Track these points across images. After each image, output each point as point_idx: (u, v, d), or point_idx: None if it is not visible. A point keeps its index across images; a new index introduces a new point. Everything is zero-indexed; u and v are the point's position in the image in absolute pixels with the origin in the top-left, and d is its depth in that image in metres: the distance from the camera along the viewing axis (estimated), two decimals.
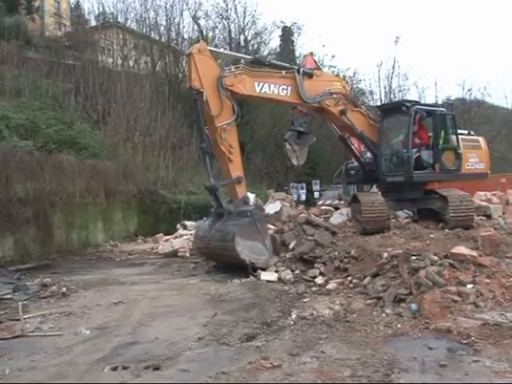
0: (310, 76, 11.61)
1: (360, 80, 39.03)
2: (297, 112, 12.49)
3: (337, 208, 14.24)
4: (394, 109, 12.62)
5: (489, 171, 13.10)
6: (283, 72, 11.24)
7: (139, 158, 20.57)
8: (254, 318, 6.78)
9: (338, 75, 34.99)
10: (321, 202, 20.90)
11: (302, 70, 11.38)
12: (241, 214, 10.18)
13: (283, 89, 11.15)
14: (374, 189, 13.76)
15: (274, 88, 11.01)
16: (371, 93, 39.39)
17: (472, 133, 13.65)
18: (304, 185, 27.60)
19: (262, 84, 10.84)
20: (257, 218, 10.10)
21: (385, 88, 38.07)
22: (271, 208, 14.12)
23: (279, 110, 29.72)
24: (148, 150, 21.90)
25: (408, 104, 12.05)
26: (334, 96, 11.85)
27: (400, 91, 37.83)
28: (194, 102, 10.24)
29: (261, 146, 30.93)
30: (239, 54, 11.65)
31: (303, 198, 26.67)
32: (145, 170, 20.71)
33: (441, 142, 11.98)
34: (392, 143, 12.65)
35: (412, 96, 37.67)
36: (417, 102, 12.86)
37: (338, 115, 11.99)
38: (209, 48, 10.58)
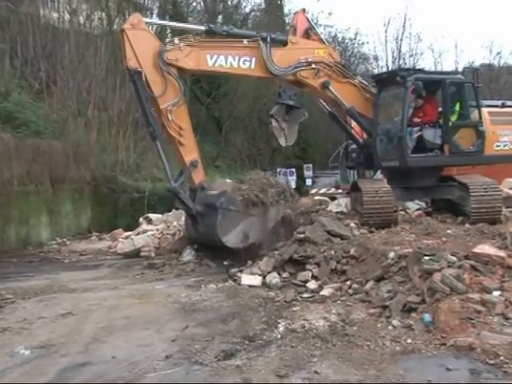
0: (284, 44, 11.65)
1: (362, 43, 39.11)
2: (285, 82, 12.41)
3: (333, 198, 14.30)
4: (389, 79, 12.51)
5: None
6: (245, 41, 11.30)
7: (93, 136, 20.27)
8: (233, 330, 6.75)
9: (334, 37, 35.20)
10: (314, 191, 20.92)
11: (270, 37, 11.42)
12: (210, 206, 10.94)
13: (245, 61, 11.33)
14: (379, 175, 13.79)
15: (233, 61, 11.22)
16: (376, 58, 39.49)
17: (510, 103, 13.52)
18: (294, 170, 27.65)
19: (216, 57, 11.05)
20: (226, 206, 10.81)
21: (393, 52, 38.14)
22: None
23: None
24: (104, 127, 21.60)
25: (403, 73, 11.94)
26: (313, 66, 11.84)
27: (411, 56, 37.87)
28: (132, 83, 10.82)
29: (242, 124, 30.89)
30: (188, 25, 11.85)
31: (292, 185, 26.70)
32: (100, 151, 20.47)
33: (453, 117, 11.96)
34: (387, 121, 12.66)
35: (427, 62, 37.78)
36: (417, 70, 12.77)
37: (319, 89, 12.02)
38: (146, 20, 10.93)
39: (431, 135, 11.82)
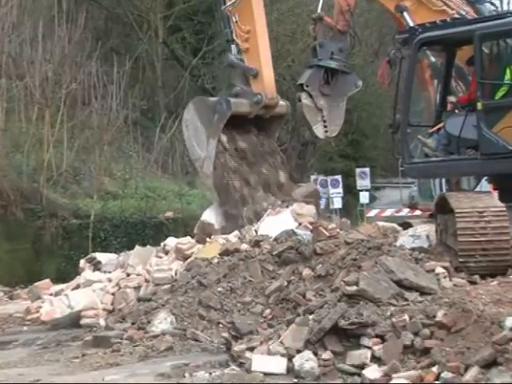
0: None
1: None
2: (323, 28, 12.58)
3: (407, 225, 14.20)
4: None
5: None
6: None
7: None
8: None
9: None
10: (374, 213, 20.95)
11: None
12: None
13: None
14: (485, 185, 13.72)
15: None
16: None
17: None
18: (339, 178, 27.72)
19: None
20: (218, 109, 15.27)
21: None
22: (271, 226, 13.98)
23: (286, 25, 29.66)
24: (18, 106, 21.74)
25: (401, 36, 12.26)
26: None
27: None
28: None
29: None
30: None
31: (337, 204, 26.69)
32: (12, 148, 20.60)
33: (499, 93, 11.97)
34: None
35: None
36: (431, 26, 12.66)
37: (395, 13, 13.23)
38: None
39: (455, 126, 11.99)
